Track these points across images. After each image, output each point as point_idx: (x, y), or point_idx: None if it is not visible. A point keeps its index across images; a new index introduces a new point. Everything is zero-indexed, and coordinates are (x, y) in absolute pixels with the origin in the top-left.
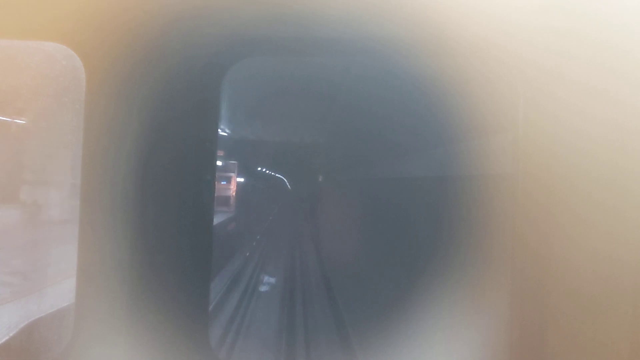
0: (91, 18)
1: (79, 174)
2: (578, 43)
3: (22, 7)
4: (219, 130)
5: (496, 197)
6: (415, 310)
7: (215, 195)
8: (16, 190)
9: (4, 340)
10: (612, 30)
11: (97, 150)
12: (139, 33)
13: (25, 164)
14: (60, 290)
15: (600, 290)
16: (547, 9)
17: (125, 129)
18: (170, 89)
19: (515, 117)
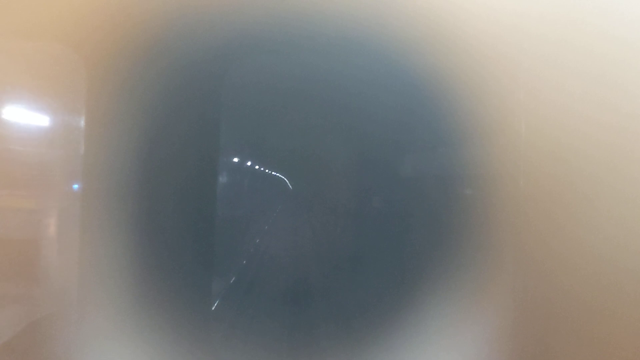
0: (92, 18)
1: (80, 173)
2: (580, 43)
3: (22, 7)
4: (220, 129)
5: (497, 197)
6: (416, 311)
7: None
8: (17, 190)
9: (5, 340)
10: (613, 31)
11: (98, 150)
12: (139, 33)
13: (26, 165)
14: (61, 291)
15: (603, 292)
16: (549, 10)
17: (126, 129)
18: (171, 88)
19: (516, 117)
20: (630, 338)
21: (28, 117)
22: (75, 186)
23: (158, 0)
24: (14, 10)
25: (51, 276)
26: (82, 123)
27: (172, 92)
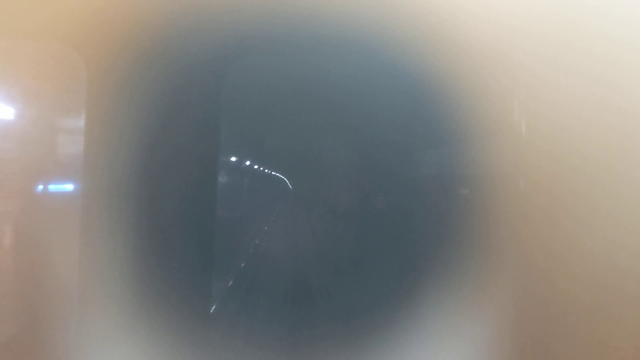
0: (92, 17)
1: (80, 173)
2: (580, 42)
3: (22, 6)
4: (221, 130)
5: (497, 198)
6: (416, 311)
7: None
8: (17, 191)
9: (5, 340)
10: (614, 32)
11: (98, 150)
12: (139, 32)
13: (26, 165)
14: (59, 292)
15: (603, 293)
16: (549, 10)
17: (126, 129)
18: (172, 88)
19: (516, 118)
20: (631, 339)
21: (29, 117)
22: (75, 186)
23: (159, 0)
24: (14, 10)
25: (50, 276)
26: (83, 123)
27: (173, 92)
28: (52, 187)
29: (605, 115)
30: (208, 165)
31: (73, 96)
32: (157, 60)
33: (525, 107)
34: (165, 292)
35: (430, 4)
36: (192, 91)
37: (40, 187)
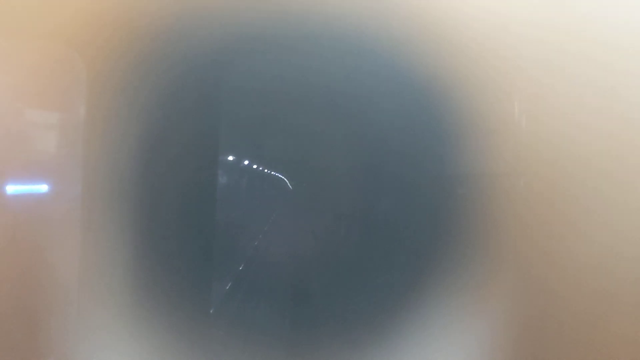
0: (92, 17)
1: (80, 174)
2: (581, 41)
3: (22, 7)
4: (221, 130)
5: (496, 196)
6: (418, 311)
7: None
8: (17, 191)
9: (4, 340)
10: (614, 28)
11: (98, 151)
12: (140, 32)
13: (26, 165)
14: (62, 291)
15: (601, 299)
16: (548, 7)
17: (126, 129)
18: (172, 88)
19: (515, 115)
20: (628, 346)
21: (29, 118)
22: (75, 187)
23: (161, 3)
24: (14, 11)
25: (49, 277)
26: (84, 124)
27: (174, 94)
28: (52, 188)
29: (603, 120)
30: (209, 166)
31: (74, 98)
32: (160, 60)
33: (524, 110)
34: (164, 293)
35: (431, 7)
36: (193, 92)
37: (40, 187)
